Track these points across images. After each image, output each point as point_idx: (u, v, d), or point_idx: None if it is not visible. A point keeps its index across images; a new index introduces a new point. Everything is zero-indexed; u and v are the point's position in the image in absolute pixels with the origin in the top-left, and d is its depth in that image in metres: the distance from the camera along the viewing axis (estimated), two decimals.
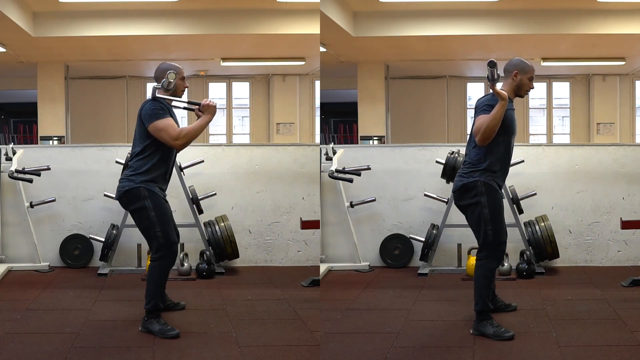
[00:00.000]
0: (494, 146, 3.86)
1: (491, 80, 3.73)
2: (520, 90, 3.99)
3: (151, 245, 4.04)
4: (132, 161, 4.07)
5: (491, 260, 3.94)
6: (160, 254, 4.00)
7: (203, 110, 4.04)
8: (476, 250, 5.56)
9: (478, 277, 3.95)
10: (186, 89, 4.21)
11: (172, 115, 4.07)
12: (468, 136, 4.06)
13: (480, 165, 3.90)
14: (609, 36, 10.51)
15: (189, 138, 3.97)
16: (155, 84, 4.09)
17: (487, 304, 3.92)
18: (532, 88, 4.02)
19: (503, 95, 3.73)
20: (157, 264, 4.01)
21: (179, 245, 4.19)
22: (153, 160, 4.01)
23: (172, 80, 4.03)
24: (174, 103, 4.15)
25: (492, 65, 3.71)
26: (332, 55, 11.75)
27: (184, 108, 4.23)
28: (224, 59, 12.52)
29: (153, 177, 4.01)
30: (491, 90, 3.78)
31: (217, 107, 4.08)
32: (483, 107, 3.83)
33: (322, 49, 11.05)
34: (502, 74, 3.91)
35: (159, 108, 3.97)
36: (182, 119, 11.60)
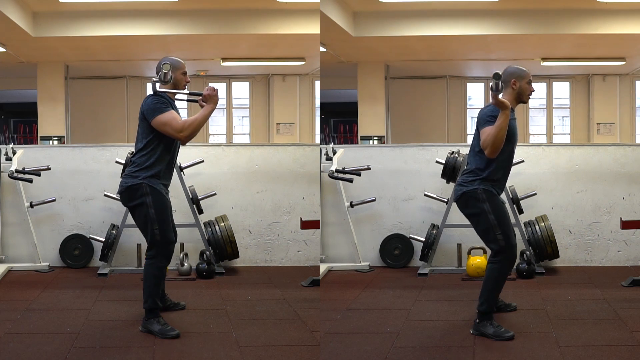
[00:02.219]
0: (497, 155, 3.87)
1: (495, 90, 3.71)
2: (522, 96, 4.00)
3: (148, 243, 4.05)
4: (135, 157, 4.07)
5: (505, 264, 3.91)
6: (154, 252, 4.02)
7: (205, 100, 4.02)
8: (475, 250, 5.62)
9: (489, 279, 3.92)
10: (188, 83, 4.19)
11: (174, 109, 4.07)
12: (470, 146, 4.06)
13: (481, 174, 3.92)
14: (609, 36, 10.51)
15: (193, 129, 3.95)
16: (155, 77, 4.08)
17: (493, 306, 3.94)
18: (533, 91, 4.03)
19: (506, 104, 3.73)
20: (151, 262, 4.03)
21: (176, 244, 4.19)
22: (156, 154, 4.01)
23: (166, 71, 4.00)
24: (176, 96, 4.15)
25: (497, 77, 3.69)
26: (332, 55, 11.74)
27: (187, 100, 4.22)
28: (224, 59, 12.52)
29: (156, 172, 4.01)
30: (492, 101, 3.78)
31: (218, 94, 4.03)
32: (487, 118, 3.83)
33: (322, 49, 11.05)
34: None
35: (161, 102, 3.96)
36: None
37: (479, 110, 4.02)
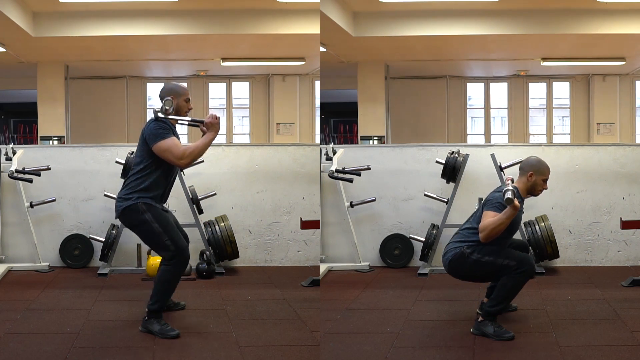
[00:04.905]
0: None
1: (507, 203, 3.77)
2: (534, 191, 4.04)
3: (163, 256, 4.00)
4: (129, 179, 4.07)
5: (527, 272, 3.91)
6: (174, 260, 3.97)
7: (207, 128, 4.03)
8: None
9: (511, 285, 3.90)
10: (190, 110, 4.20)
11: (176, 134, 4.08)
12: (469, 220, 4.12)
13: (472, 242, 3.96)
14: (609, 36, 10.50)
15: (193, 156, 3.98)
16: (157, 107, 4.06)
17: (504, 310, 4.00)
18: (546, 189, 4.07)
19: (517, 207, 3.76)
20: (169, 268, 3.97)
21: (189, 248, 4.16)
22: (152, 178, 4.01)
23: (168, 107, 4.02)
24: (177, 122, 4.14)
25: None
26: (332, 55, 11.74)
27: (188, 125, 4.21)
28: (224, 59, 12.52)
29: (151, 195, 4.01)
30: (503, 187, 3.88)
31: (220, 122, 4.06)
32: (495, 203, 3.87)
33: (322, 49, 11.05)
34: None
35: (163, 128, 3.97)
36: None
37: (492, 191, 4.04)
